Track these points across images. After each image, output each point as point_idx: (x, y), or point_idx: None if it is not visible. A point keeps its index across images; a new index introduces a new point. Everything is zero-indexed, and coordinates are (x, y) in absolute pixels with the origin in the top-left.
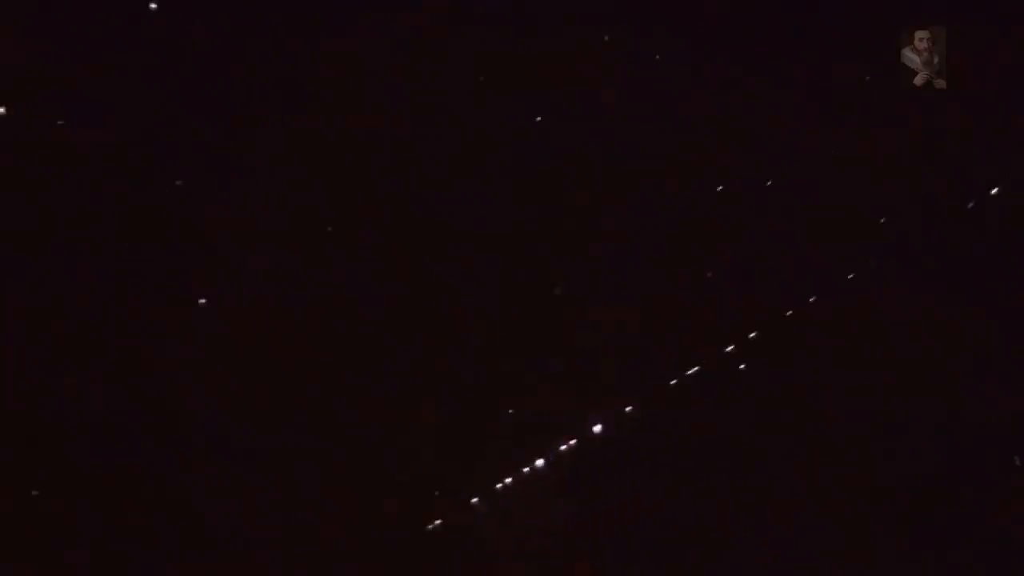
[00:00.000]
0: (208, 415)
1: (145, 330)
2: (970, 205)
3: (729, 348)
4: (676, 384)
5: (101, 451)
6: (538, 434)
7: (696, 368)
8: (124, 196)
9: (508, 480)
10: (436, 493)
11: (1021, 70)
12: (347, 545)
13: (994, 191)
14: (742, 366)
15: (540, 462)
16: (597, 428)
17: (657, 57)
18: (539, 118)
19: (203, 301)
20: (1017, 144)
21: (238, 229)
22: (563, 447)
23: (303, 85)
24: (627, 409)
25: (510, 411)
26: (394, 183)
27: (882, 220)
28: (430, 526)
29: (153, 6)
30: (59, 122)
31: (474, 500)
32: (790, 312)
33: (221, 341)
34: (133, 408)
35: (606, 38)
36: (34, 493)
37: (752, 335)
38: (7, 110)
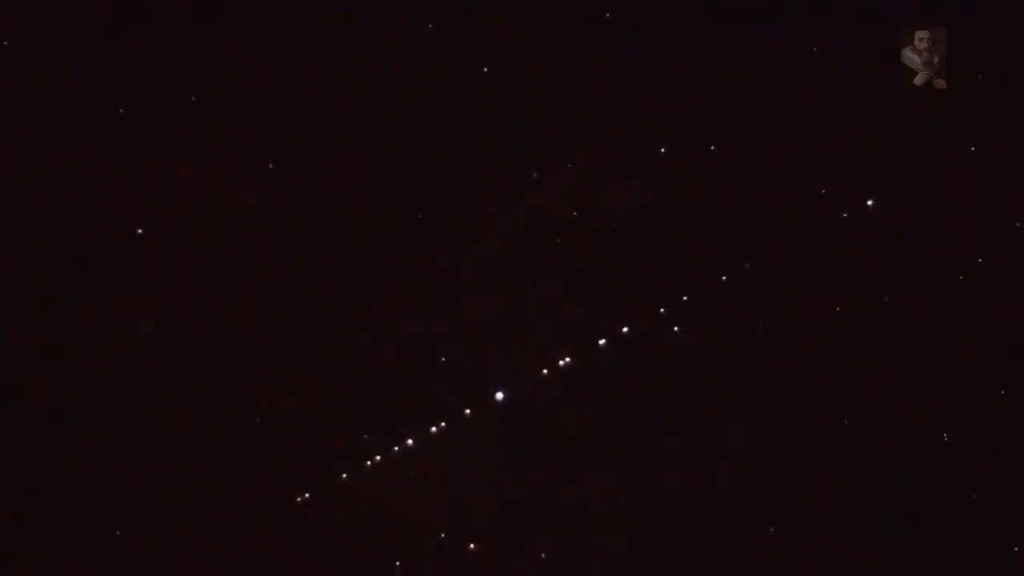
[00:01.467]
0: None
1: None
2: (870, 202)
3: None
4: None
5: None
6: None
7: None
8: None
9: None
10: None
11: (1021, 70)
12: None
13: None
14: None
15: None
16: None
17: (607, 15)
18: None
19: (141, 231)
20: (1017, 144)
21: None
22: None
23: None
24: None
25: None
26: (330, 135)
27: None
28: (299, 499)
29: None
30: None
31: (344, 475)
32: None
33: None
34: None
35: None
36: None
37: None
38: None
